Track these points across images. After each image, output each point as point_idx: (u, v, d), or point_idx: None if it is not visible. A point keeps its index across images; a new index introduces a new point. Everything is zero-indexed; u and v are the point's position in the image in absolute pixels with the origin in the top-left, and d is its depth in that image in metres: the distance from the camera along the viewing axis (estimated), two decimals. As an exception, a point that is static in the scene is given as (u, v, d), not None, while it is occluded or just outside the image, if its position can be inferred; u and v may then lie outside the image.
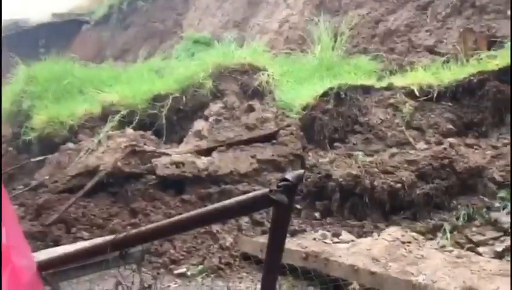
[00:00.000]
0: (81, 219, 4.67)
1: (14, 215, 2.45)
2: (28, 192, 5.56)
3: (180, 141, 5.40)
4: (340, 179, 4.01)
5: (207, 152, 4.86)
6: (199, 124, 5.18)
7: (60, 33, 16.83)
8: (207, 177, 4.66)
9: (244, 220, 4.29)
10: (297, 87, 5.82)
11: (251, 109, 5.13)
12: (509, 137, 4.44)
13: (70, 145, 5.51)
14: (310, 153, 4.89)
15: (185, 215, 1.66)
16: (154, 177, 4.85)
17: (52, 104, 6.36)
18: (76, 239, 4.44)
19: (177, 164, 4.72)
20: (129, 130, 5.35)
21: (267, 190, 1.41)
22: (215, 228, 4.29)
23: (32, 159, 5.32)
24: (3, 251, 2.23)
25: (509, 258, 3.12)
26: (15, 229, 2.37)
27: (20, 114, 6.99)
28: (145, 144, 5.21)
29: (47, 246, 4.44)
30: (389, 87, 5.34)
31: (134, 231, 1.82)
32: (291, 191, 1.42)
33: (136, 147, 5.05)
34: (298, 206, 4.26)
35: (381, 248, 3.40)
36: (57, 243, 4.45)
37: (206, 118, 5.21)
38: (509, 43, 4.97)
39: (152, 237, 1.84)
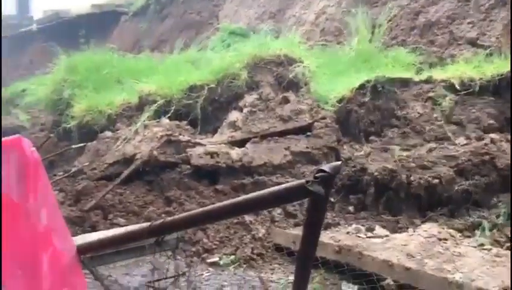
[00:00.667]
0: (117, 205, 4.78)
1: (54, 199, 2.54)
2: (67, 178, 5.74)
3: (214, 132, 5.44)
4: (376, 173, 3.95)
5: (241, 143, 4.88)
6: (234, 115, 5.19)
7: (99, 24, 17.19)
8: (241, 168, 4.68)
9: (277, 212, 4.29)
10: (333, 79, 5.75)
11: (286, 100, 5.11)
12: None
13: (108, 133, 5.64)
14: (344, 146, 4.84)
15: (220, 204, 1.67)
16: (188, 166, 4.90)
17: (91, 93, 6.51)
18: (112, 225, 4.56)
19: (212, 154, 4.76)
20: (165, 120, 5.43)
21: (303, 180, 1.39)
22: (248, 218, 4.31)
23: (74, 146, 5.47)
24: (44, 233, 2.31)
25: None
26: (55, 213, 2.45)
27: (60, 102, 7.18)
28: (180, 134, 5.27)
29: (85, 231, 4.58)
30: (429, 81, 5.20)
31: (170, 218, 1.85)
32: (328, 183, 1.41)
33: (171, 136, 5.12)
34: (332, 199, 4.22)
35: (417, 244, 3.33)
36: (94, 228, 4.58)
37: (241, 109, 5.22)
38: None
39: (188, 225, 1.87)
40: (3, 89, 13.69)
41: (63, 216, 4.49)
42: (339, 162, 1.45)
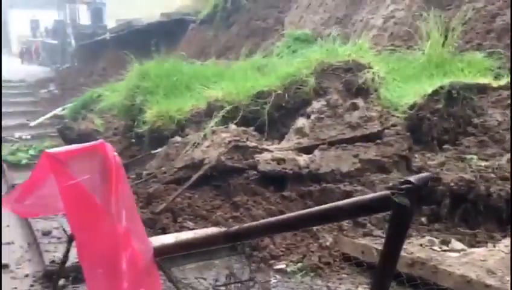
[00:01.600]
0: (186, 209, 4.90)
1: (133, 201, 2.64)
2: (139, 181, 5.97)
3: (281, 138, 5.44)
4: (451, 184, 3.77)
5: (308, 150, 4.84)
6: (301, 122, 5.17)
7: (168, 32, 17.81)
8: (308, 175, 4.64)
9: (346, 220, 4.21)
10: (403, 85, 5.57)
11: (355, 107, 5.01)
12: None
13: (178, 138, 5.80)
14: (416, 155, 4.66)
15: (298, 213, 1.66)
16: (255, 172, 4.94)
17: (162, 99, 6.74)
18: (182, 228, 4.68)
19: (278, 161, 4.77)
20: (232, 126, 5.50)
21: (387, 191, 1.35)
22: (316, 226, 4.27)
23: (153, 151, 5.69)
24: (124, 234, 2.40)
25: None
26: (134, 215, 2.54)
27: (133, 108, 7.50)
28: (247, 140, 5.32)
29: (156, 233, 4.74)
30: (508, 87, 4.91)
31: (246, 225, 1.86)
32: (414, 195, 1.35)
33: (238, 142, 5.19)
34: (403, 210, 4.07)
35: (498, 260, 3.13)
36: (164, 230, 4.72)
37: (308, 116, 5.19)
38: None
39: (264, 233, 1.87)
40: (80, 95, 14.54)
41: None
42: (428, 174, 1.39)
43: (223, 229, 1.94)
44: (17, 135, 13.27)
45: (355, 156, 4.57)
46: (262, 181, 4.88)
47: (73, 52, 35.28)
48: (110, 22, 29.13)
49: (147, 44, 17.86)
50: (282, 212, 4.51)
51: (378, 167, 4.49)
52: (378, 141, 4.63)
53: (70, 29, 37.45)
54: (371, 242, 3.86)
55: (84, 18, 37.63)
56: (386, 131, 4.64)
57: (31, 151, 9.41)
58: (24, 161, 8.70)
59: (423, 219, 3.98)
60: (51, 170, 2.18)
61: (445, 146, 4.71)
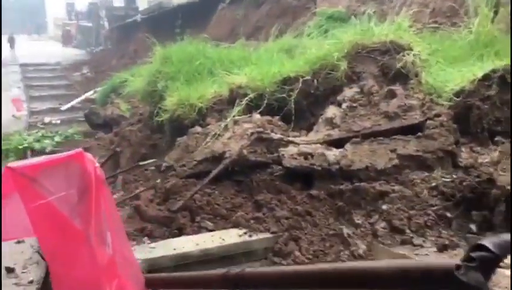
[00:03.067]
0: (205, 207, 4.51)
1: (120, 222, 2.23)
2: (157, 174, 5.63)
3: (309, 129, 4.94)
4: (508, 187, 3.20)
5: (339, 143, 4.33)
6: (331, 111, 4.65)
7: (199, 13, 17.38)
8: (338, 172, 4.15)
9: (381, 225, 3.71)
10: (448, 68, 4.95)
11: (392, 94, 4.45)
12: None
13: (198, 128, 5.40)
14: (463, 149, 4.08)
15: (319, 268, 1.19)
16: (280, 167, 4.48)
17: (183, 85, 6.34)
18: (200, 229, 4.29)
19: (306, 155, 4.29)
20: (256, 115, 5.04)
21: (451, 262, 0.86)
22: (346, 231, 3.80)
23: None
24: (108, 262, 1.98)
25: None
26: (121, 238, 2.12)
27: (155, 94, 7.14)
28: (272, 131, 4.86)
29: (172, 234, 4.38)
30: None
31: (249, 270, 1.42)
32: (490, 268, 0.86)
33: (262, 133, 4.73)
34: (448, 215, 3.54)
35: None
36: (181, 231, 4.35)
37: (339, 104, 4.66)
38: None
39: (270, 285, 1.41)
40: (111, 78, 14.37)
41: (151, 216, 4.16)
42: (508, 237, 0.90)
43: (223, 271, 1.49)
44: (47, 119, 13.30)
45: (393, 150, 4.04)
46: (287, 178, 4.42)
47: (107, 34, 35.50)
48: (143, 3, 28.96)
49: (175, 25, 17.52)
50: (309, 213, 4.05)
51: (420, 164, 3.94)
52: (420, 133, 4.06)
53: (103, 12, 37.69)
54: (410, 252, 3.37)
55: (117, 0, 37.72)
56: (429, 122, 4.06)
57: (57, 138, 9.29)
58: (49, 148, 8.58)
59: (472, 227, 3.44)
60: (15, 187, 1.80)
61: (498, 138, 4.11)
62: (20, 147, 8.69)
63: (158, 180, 5.29)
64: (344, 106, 4.57)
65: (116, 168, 6.17)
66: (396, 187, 3.84)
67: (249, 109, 5.23)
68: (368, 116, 4.40)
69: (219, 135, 5.03)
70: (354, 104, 4.52)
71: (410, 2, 9.32)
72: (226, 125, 5.04)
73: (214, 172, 4.66)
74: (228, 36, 14.52)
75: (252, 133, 4.78)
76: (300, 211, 4.07)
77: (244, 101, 5.23)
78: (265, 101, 5.15)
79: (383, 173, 3.97)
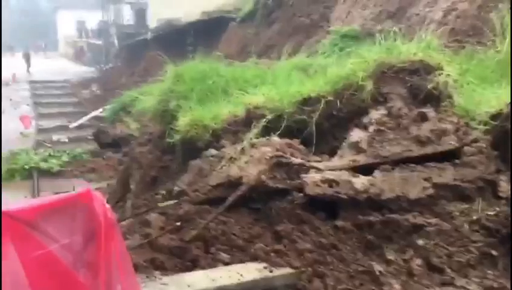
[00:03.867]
0: (220, 237, 4.18)
1: (133, 271, 1.92)
2: (169, 199, 5.32)
3: (331, 153, 4.63)
4: None
5: (366, 170, 4.01)
6: (356, 134, 4.34)
7: (208, 31, 17.30)
8: (366, 201, 3.81)
9: (416, 262, 3.36)
10: (480, 89, 4.63)
11: (423, 117, 4.13)
12: None
13: (213, 151, 5.10)
14: (502, 178, 3.74)
15: None
16: (301, 195, 4.16)
17: (196, 105, 6.07)
18: (215, 261, 3.96)
19: (330, 182, 3.96)
20: (275, 138, 4.74)
21: None
22: (377, 267, 3.45)
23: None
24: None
25: None
26: (133, 285, 1.81)
27: (166, 114, 6.88)
28: (292, 155, 4.54)
29: (185, 266, 4.05)
30: None
31: None
32: None
33: (282, 158, 4.42)
34: (493, 253, 3.19)
35: None
36: (195, 263, 4.02)
37: (365, 127, 4.35)
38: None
39: None
40: (120, 96, 14.23)
41: (163, 246, 3.81)
42: None
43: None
44: (55, 137, 13.09)
45: (427, 179, 3.70)
46: (310, 206, 4.09)
47: (117, 52, 35.73)
48: (153, 22, 29.11)
49: (186, 43, 17.43)
50: (334, 247, 3.71)
51: (457, 194, 3.60)
52: (456, 160, 3.74)
53: (114, 30, 38.00)
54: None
55: (128, 18, 38.07)
56: (466, 148, 3.74)
57: (64, 158, 9.04)
58: (55, 169, 8.32)
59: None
60: (9, 235, 1.49)
61: (540, 166, 3.76)
62: (26, 167, 8.44)
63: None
64: (370, 129, 4.26)
65: (125, 192, 5.88)
66: (433, 220, 3.50)
67: (267, 131, 4.93)
68: (397, 141, 4.08)
69: (235, 158, 4.73)
70: (382, 128, 4.21)
71: (429, 21, 9.08)
72: (243, 149, 4.74)
73: (230, 199, 4.34)
74: (239, 54, 14.36)
75: (271, 157, 4.47)
76: (325, 244, 3.73)
77: (261, 123, 4.93)
78: (284, 123, 4.86)
79: (416, 204, 3.64)
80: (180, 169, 5.96)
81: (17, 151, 9.77)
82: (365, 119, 4.39)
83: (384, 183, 3.81)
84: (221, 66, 7.30)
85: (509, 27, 5.18)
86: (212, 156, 5.05)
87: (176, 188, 5.21)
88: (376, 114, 4.34)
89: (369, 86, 4.45)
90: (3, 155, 9.67)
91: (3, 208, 1.47)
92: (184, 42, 17.70)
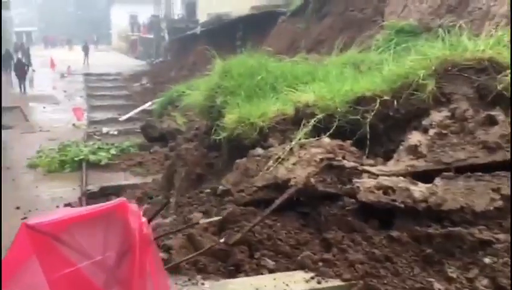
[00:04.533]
0: (265, 242, 3.99)
1: (167, 282, 1.75)
2: (213, 198, 5.18)
3: (386, 156, 4.32)
4: None
5: (426, 176, 3.69)
6: (415, 137, 4.01)
7: (257, 25, 17.10)
8: (426, 212, 3.50)
9: (482, 282, 3.03)
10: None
11: (492, 121, 3.75)
12: None
13: (259, 150, 4.91)
14: None
15: None
16: (353, 201, 3.89)
17: (243, 101, 5.89)
18: (259, 267, 3.77)
19: (385, 189, 3.68)
20: (325, 139, 4.48)
21: None
22: (438, 285, 3.13)
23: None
24: None
25: None
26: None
27: (213, 110, 6.75)
28: (344, 157, 4.27)
29: (228, 271, 3.88)
30: None
31: None
32: None
33: (333, 160, 4.16)
34: None
35: None
36: (238, 268, 3.85)
37: (425, 130, 4.01)
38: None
39: None
40: (170, 89, 14.32)
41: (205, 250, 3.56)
42: None
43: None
44: (105, 130, 13.34)
45: (495, 190, 3.35)
46: (362, 213, 3.82)
47: (167, 46, 36.28)
48: (203, 16, 29.26)
49: (235, 38, 17.34)
50: (389, 259, 3.42)
51: (531, 208, 3.23)
52: (530, 170, 3.36)
53: (164, 24, 38.59)
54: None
55: (179, 13, 38.55)
56: (542, 157, 3.35)
57: (112, 151, 9.13)
58: (104, 161, 8.41)
59: None
60: (33, 250, 1.34)
61: None
62: (76, 159, 8.57)
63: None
64: (431, 132, 3.92)
65: (170, 188, 5.79)
66: (501, 236, 3.15)
67: (317, 131, 4.68)
68: (461, 146, 3.73)
69: (283, 159, 4.51)
70: (444, 131, 3.86)
71: (492, 15, 8.47)
72: (291, 149, 4.52)
73: (277, 202, 4.13)
74: (288, 49, 14.07)
75: (321, 160, 4.23)
76: (378, 256, 3.45)
77: (311, 122, 4.68)
78: (336, 123, 4.58)
79: (483, 217, 3.30)
80: (225, 167, 5.81)
81: (67, 143, 9.98)
82: (425, 122, 4.05)
83: (446, 193, 3.48)
84: (270, 61, 7.07)
85: (510, 26, 4.77)
86: (258, 155, 4.85)
87: (221, 187, 5.06)
88: (438, 116, 3.99)
89: (431, 85, 4.09)
90: (54, 146, 9.92)
91: (29, 221, 1.32)
92: (233, 37, 17.62)
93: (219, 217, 3.86)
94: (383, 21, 10.93)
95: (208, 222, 3.76)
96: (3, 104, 18.25)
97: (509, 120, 3.80)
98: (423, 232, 3.42)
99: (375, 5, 11.92)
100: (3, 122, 15.92)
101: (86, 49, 37.97)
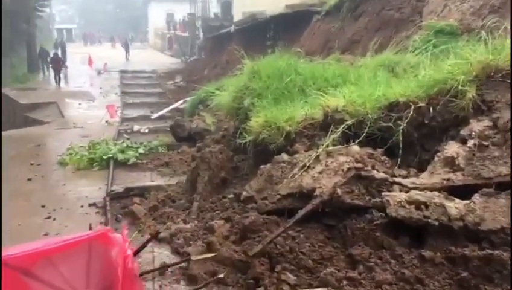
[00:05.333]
0: (287, 254, 3.78)
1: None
2: (236, 204, 5.01)
3: (420, 167, 4.03)
4: None
5: (463, 192, 3.39)
6: (452, 148, 3.71)
7: (291, 25, 16.83)
8: (462, 231, 3.22)
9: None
10: None
11: (539, 133, 3.42)
12: None
13: (285, 156, 4.69)
14: None
15: None
16: (382, 215, 3.63)
17: (270, 104, 5.69)
18: (280, 282, 3.56)
19: (418, 204, 3.40)
20: (354, 147, 4.23)
21: None
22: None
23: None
24: None
25: None
26: None
27: (240, 112, 6.58)
28: (373, 167, 4.01)
29: (247, 284, 3.70)
30: None
31: None
32: None
33: (361, 170, 3.90)
34: None
35: None
36: (257, 281, 3.66)
37: (464, 141, 3.70)
38: None
39: None
40: (202, 88, 14.27)
41: (224, 257, 3.37)
42: None
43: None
44: (136, 128, 13.38)
45: (541, 210, 3.02)
46: (391, 229, 3.56)
47: (201, 44, 36.43)
48: (238, 15, 29.19)
49: (267, 37, 17.14)
50: (420, 281, 3.15)
51: None
52: None
53: (199, 22, 38.79)
54: None
55: (214, 11, 38.69)
56: None
57: (141, 150, 9.09)
58: (132, 160, 8.37)
59: None
60: (4, 286, 1.18)
61: None
62: (104, 157, 8.56)
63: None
64: (470, 143, 3.61)
65: (193, 192, 5.66)
66: (547, 262, 2.82)
67: (346, 138, 4.43)
68: (503, 160, 3.41)
69: (308, 166, 4.28)
70: (485, 142, 3.55)
71: (540, 16, 7.94)
72: (318, 156, 4.29)
73: (301, 213, 3.91)
74: (322, 49, 13.76)
75: (349, 169, 3.98)
76: (408, 277, 3.18)
77: (340, 129, 4.43)
78: (366, 130, 4.32)
79: (526, 240, 2.98)
80: (250, 171, 5.63)
81: (97, 141, 10.02)
82: (464, 131, 3.74)
83: (486, 211, 3.18)
84: (299, 62, 6.84)
85: (510, 29, 4.37)
86: (283, 161, 4.64)
87: (244, 194, 4.88)
88: (478, 126, 3.67)
89: (471, 92, 3.78)
90: (85, 143, 9.97)
91: (6, 252, 1.16)
92: (265, 36, 17.42)
93: (213, 254, 3.70)
94: (421, 21, 10.48)
95: (202, 258, 3.57)
96: (40, 101, 18.70)
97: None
98: (459, 253, 3.14)
99: (414, 4, 11.45)
100: (39, 118, 16.27)
101: (126, 46, 39.05)
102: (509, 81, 3.76)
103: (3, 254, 1.15)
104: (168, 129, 11.62)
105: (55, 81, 23.33)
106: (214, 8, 39.61)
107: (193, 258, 3.49)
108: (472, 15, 9.34)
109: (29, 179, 7.75)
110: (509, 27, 6.73)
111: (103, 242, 1.21)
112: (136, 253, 1.31)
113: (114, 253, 1.22)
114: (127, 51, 38.48)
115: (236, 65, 12.06)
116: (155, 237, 3.54)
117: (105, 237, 1.22)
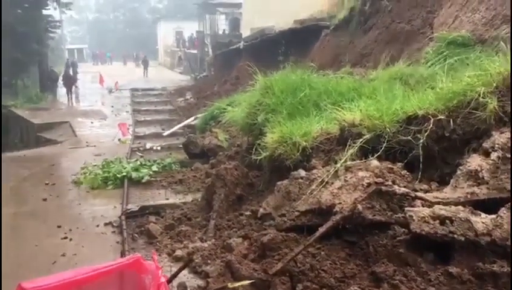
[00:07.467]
0: (308, 273, 3.70)
1: None
2: (254, 221, 4.95)
3: (441, 181, 3.95)
4: None
5: (489, 206, 3.30)
6: (475, 161, 3.63)
7: (300, 40, 16.88)
8: (489, 246, 3.12)
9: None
10: None
11: None
12: None
13: (302, 172, 4.64)
14: None
15: None
16: (405, 231, 3.55)
17: (285, 119, 5.65)
18: (301, 302, 3.49)
19: (442, 219, 3.31)
20: (374, 162, 4.16)
21: None
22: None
23: None
24: None
25: None
26: None
27: (254, 128, 6.55)
28: (394, 182, 3.94)
29: (267, 303, 3.62)
30: None
31: None
32: None
33: (382, 185, 3.83)
34: None
35: None
36: (278, 301, 3.59)
37: (487, 153, 3.62)
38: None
39: None
40: (212, 104, 14.32)
41: (243, 275, 3.31)
42: None
43: None
44: (148, 145, 13.41)
45: None
46: (415, 245, 3.47)
47: (210, 61, 36.71)
48: (246, 31, 29.40)
49: (277, 53, 17.19)
50: (447, 299, 3.06)
51: None
52: None
53: (208, 39, 39.16)
54: None
55: (223, 28, 39.07)
56: None
57: (154, 167, 9.09)
58: (145, 179, 8.36)
59: None
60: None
61: None
62: (118, 175, 8.57)
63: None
64: (494, 155, 3.53)
65: (209, 210, 5.61)
66: None
67: (364, 153, 4.37)
68: (529, 172, 3.32)
69: (327, 182, 4.22)
70: (508, 155, 3.47)
71: (555, 24, 7.86)
72: (336, 171, 4.22)
73: (321, 230, 3.83)
74: (332, 64, 13.74)
75: (369, 184, 3.91)
76: (434, 295, 3.10)
77: (358, 143, 4.38)
78: (385, 144, 4.26)
79: (558, 255, 2.88)
80: (266, 188, 5.58)
81: (111, 159, 10.05)
82: (486, 144, 3.66)
83: (513, 225, 3.09)
84: (312, 77, 6.82)
85: (510, 33, 4.35)
86: (301, 177, 4.58)
87: (261, 211, 4.83)
88: (501, 137, 3.60)
89: (492, 103, 3.71)
90: (100, 162, 9.99)
91: (25, 284, 1.12)
92: (275, 51, 17.47)
93: (251, 281, 3.61)
94: (432, 33, 10.43)
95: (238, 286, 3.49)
96: (53, 120, 18.88)
97: None
98: (487, 270, 3.04)
99: (424, 16, 11.42)
100: (52, 137, 16.40)
101: (145, 63, 40.05)
102: (531, 91, 3.69)
103: (33, 285, 1.12)
104: (180, 146, 11.63)
105: (68, 99, 23.63)
106: (223, 25, 39.99)
107: (230, 285, 3.40)
108: (484, 25, 9.28)
109: (45, 199, 7.77)
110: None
111: (135, 269, 1.17)
112: (170, 281, 1.26)
113: (147, 281, 1.18)
114: (146, 67, 39.38)
115: (246, 81, 12.08)
116: (189, 264, 3.48)
117: (137, 264, 1.18)
